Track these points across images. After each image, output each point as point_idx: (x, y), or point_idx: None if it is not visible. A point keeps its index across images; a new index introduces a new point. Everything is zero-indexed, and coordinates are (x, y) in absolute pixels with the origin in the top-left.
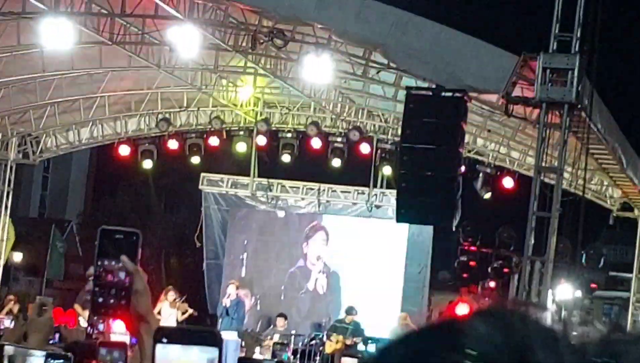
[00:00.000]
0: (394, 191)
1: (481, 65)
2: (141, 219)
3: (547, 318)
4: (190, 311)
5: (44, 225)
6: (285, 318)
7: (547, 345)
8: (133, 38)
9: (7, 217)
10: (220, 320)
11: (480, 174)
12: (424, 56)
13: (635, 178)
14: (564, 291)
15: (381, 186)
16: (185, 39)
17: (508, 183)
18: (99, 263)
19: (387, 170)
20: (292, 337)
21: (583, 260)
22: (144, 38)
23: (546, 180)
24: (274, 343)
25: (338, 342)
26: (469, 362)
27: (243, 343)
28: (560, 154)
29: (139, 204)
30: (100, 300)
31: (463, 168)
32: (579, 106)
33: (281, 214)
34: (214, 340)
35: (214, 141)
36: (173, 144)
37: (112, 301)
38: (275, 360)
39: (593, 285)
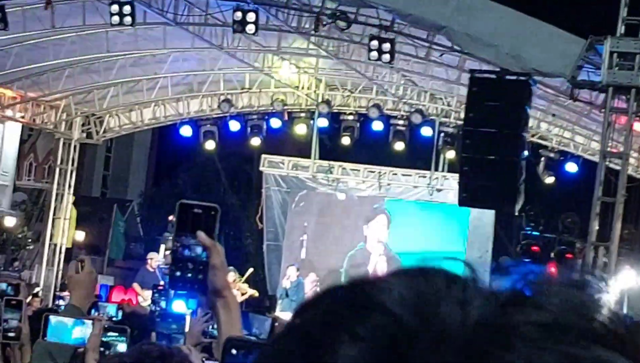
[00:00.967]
0: (456, 175)
1: (547, 48)
2: (202, 200)
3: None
4: (250, 292)
5: (105, 205)
6: None
7: (455, 300)
8: (196, 19)
9: (71, 196)
10: (280, 302)
11: (542, 159)
12: (488, 38)
13: None
14: (629, 278)
15: (443, 170)
16: (248, 21)
17: (572, 167)
18: (177, 237)
19: (450, 154)
20: None
21: None
22: (207, 19)
23: (611, 165)
24: None
25: None
26: (380, 321)
27: None
28: (626, 139)
29: (199, 185)
30: (178, 274)
31: (526, 153)
32: None
33: (342, 196)
34: None
35: (275, 122)
36: (234, 126)
37: (189, 275)
38: None
39: None
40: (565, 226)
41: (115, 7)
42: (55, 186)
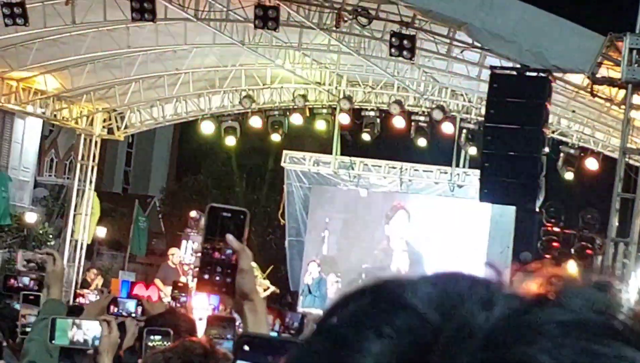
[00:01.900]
0: (477, 171)
1: (566, 45)
2: (223, 196)
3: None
4: (272, 288)
5: (127, 201)
6: None
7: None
8: (217, 15)
9: (92, 191)
10: (302, 298)
11: (562, 154)
12: (509, 35)
13: None
14: None
15: (464, 166)
16: (270, 16)
17: (592, 164)
18: (206, 240)
19: (472, 150)
20: None
21: None
22: (229, 15)
23: (631, 162)
24: None
25: None
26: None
27: None
28: None
29: (221, 180)
30: (206, 277)
31: (547, 149)
32: None
33: (363, 193)
34: None
35: (296, 118)
36: (256, 122)
37: (217, 278)
38: None
39: None
40: (585, 222)
41: (136, 3)
42: (76, 182)
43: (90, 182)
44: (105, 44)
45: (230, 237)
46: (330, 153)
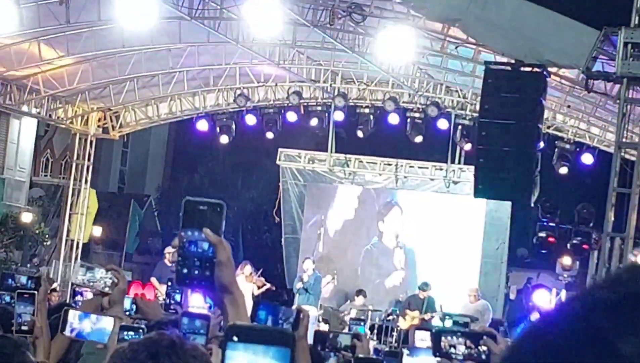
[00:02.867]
0: (472, 167)
1: (561, 40)
2: (219, 194)
3: None
4: (268, 285)
5: (123, 200)
6: (365, 296)
7: None
8: (212, 13)
9: (88, 191)
10: (297, 296)
11: (557, 149)
12: (503, 30)
13: None
14: None
15: (459, 162)
16: (264, 14)
17: (588, 159)
18: (183, 234)
19: (466, 146)
20: (369, 312)
21: None
22: (223, 13)
23: (626, 156)
24: (350, 319)
25: (414, 318)
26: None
27: (320, 318)
28: None
29: (216, 179)
30: (185, 271)
31: (542, 144)
32: None
33: (358, 190)
34: (287, 341)
35: (291, 116)
36: (251, 120)
37: (196, 272)
38: (352, 332)
39: None
40: (581, 217)
41: (130, 2)
42: (72, 181)
43: (86, 181)
44: (99, 44)
45: (207, 230)
46: (325, 151)
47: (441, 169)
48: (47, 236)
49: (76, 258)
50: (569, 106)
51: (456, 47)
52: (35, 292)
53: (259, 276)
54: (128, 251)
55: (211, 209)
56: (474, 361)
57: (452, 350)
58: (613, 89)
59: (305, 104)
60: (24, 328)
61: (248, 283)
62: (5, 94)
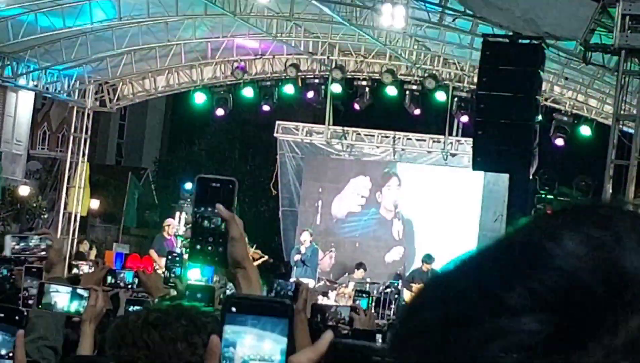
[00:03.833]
0: (470, 140)
1: (559, 12)
2: (216, 167)
3: None
4: (265, 257)
5: (120, 173)
6: (365, 269)
7: None
8: None
9: (85, 164)
10: (295, 268)
11: (554, 122)
12: (501, 3)
13: None
14: None
15: (457, 135)
16: None
17: (586, 131)
18: (196, 210)
19: (464, 118)
20: (367, 285)
21: None
22: None
23: (624, 128)
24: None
25: None
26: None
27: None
28: (639, 102)
29: (214, 152)
30: (199, 247)
31: (540, 116)
32: None
33: (356, 162)
34: (285, 312)
35: (289, 88)
36: (248, 92)
37: (209, 248)
38: (350, 305)
39: None
40: (579, 190)
41: None
42: (69, 154)
43: (84, 155)
44: (96, 17)
45: (219, 206)
46: (323, 123)
47: (439, 142)
48: (44, 209)
49: (74, 232)
50: (566, 78)
51: (454, 20)
52: (42, 267)
53: (255, 249)
54: (126, 225)
55: (224, 186)
56: None
57: None
58: (611, 61)
59: (303, 76)
60: (31, 302)
61: None
62: (2, 67)
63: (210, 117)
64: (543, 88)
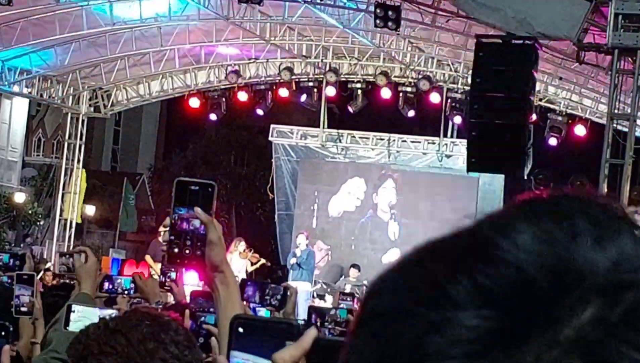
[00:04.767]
0: (465, 141)
1: (552, 12)
2: (212, 171)
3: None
4: (263, 261)
5: (116, 178)
6: (359, 269)
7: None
8: None
9: (80, 170)
10: (291, 272)
11: (549, 121)
12: (494, 3)
13: None
14: None
15: (452, 136)
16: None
17: (580, 130)
18: (174, 213)
19: (458, 120)
20: (363, 287)
21: None
22: None
23: (619, 127)
24: (340, 293)
25: None
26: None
27: (315, 294)
28: (633, 101)
29: (209, 156)
30: (176, 250)
31: (534, 116)
32: None
33: (351, 164)
34: (291, 333)
35: (283, 92)
36: (242, 96)
37: (187, 251)
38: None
39: None
40: (575, 189)
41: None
42: (64, 161)
43: (78, 161)
44: (89, 23)
45: (198, 209)
46: (318, 126)
47: (434, 143)
48: (40, 216)
49: (69, 238)
50: (560, 78)
51: (447, 21)
52: (34, 274)
53: (253, 253)
54: (122, 231)
55: (202, 189)
56: None
57: None
58: (605, 61)
59: (297, 80)
60: (23, 309)
61: (242, 259)
62: None
63: (205, 122)
64: (537, 88)
